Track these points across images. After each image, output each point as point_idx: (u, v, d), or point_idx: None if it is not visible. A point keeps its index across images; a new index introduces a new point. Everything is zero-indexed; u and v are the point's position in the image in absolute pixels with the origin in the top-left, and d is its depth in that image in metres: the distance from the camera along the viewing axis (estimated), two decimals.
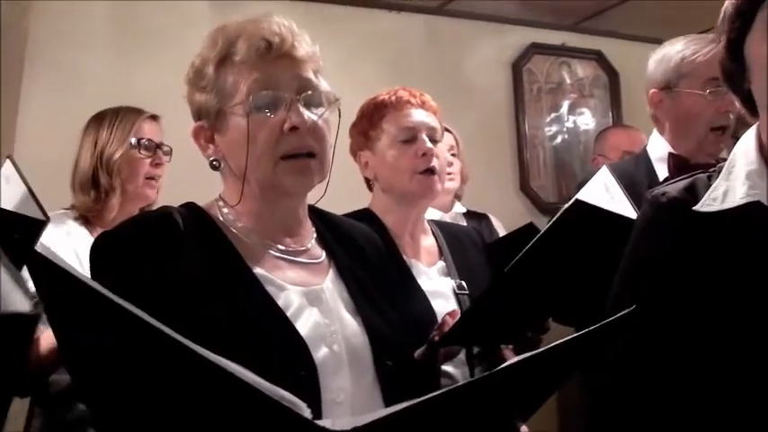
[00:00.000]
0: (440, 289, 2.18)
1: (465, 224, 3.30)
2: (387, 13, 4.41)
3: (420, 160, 2.17)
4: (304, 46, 1.46)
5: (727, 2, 1.38)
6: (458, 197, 3.56)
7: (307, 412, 0.85)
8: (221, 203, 1.51)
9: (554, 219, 1.75)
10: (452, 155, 3.30)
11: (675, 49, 2.43)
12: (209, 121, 1.47)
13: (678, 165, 2.39)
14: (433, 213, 2.87)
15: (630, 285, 1.44)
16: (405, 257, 2.20)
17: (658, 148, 2.49)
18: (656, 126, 2.54)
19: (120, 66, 3.70)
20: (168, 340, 0.85)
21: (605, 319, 1.03)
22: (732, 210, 1.34)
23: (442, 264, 2.26)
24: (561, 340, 0.98)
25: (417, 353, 1.91)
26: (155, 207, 2.69)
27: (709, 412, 1.31)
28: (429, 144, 2.19)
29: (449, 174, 3.14)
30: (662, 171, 2.43)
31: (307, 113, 1.43)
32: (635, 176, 2.36)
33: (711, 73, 2.26)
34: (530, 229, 2.53)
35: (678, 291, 1.34)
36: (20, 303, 0.77)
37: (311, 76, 1.47)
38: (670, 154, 2.43)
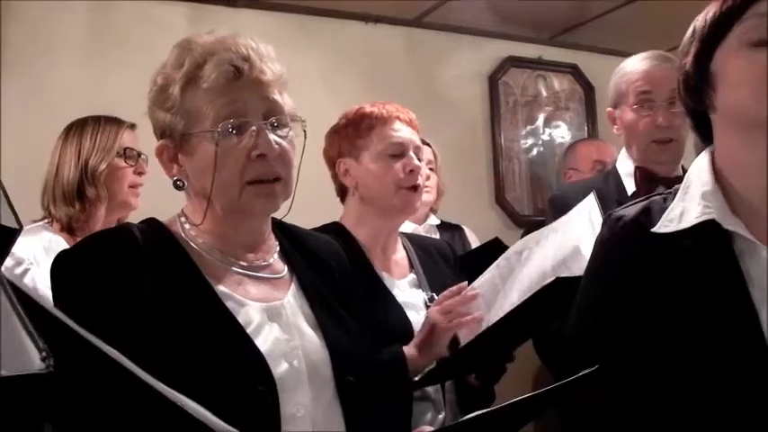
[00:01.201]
0: (411, 301, 2.19)
1: (438, 236, 3.34)
2: (364, 24, 4.41)
3: (408, 176, 2.19)
4: (272, 68, 1.46)
5: (699, 17, 1.40)
6: (433, 211, 3.57)
7: None
8: (183, 219, 1.52)
9: (533, 293, 1.86)
10: (430, 169, 3.30)
11: (618, 69, 2.56)
12: (173, 141, 1.47)
13: (644, 178, 2.47)
14: (407, 225, 2.87)
15: (589, 309, 1.48)
16: (376, 270, 2.20)
17: (625, 164, 2.56)
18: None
19: (95, 73, 3.67)
20: (122, 371, 0.86)
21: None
22: (688, 229, 1.36)
23: (412, 276, 2.28)
24: (531, 393, 1.15)
25: None
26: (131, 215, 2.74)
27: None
28: (417, 161, 2.21)
29: (425, 187, 3.15)
30: (630, 185, 2.50)
31: (274, 138, 1.43)
32: (605, 192, 2.41)
33: (641, 87, 2.43)
34: (496, 243, 2.58)
35: (636, 311, 1.37)
36: (32, 362, 0.77)
37: (278, 97, 1.47)
38: (636, 167, 2.50)
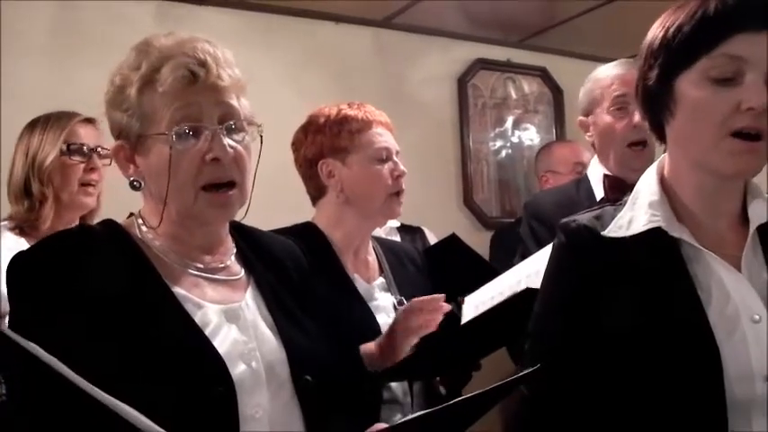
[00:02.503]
0: (381, 304, 2.20)
1: (399, 238, 3.35)
2: (333, 24, 4.40)
3: (394, 182, 2.22)
4: (229, 73, 1.46)
5: (660, 29, 1.43)
6: None
7: None
8: (140, 221, 1.52)
9: (504, 299, 1.93)
10: None
11: (590, 77, 2.59)
12: (129, 142, 1.47)
13: (613, 186, 2.49)
14: None
15: (546, 313, 1.53)
16: (347, 272, 2.19)
17: (596, 172, 2.59)
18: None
19: (63, 71, 3.62)
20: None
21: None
22: (636, 236, 1.44)
23: (382, 280, 2.29)
24: (479, 391, 1.22)
25: None
26: (98, 215, 2.63)
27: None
28: (402, 167, 2.23)
29: None
30: (600, 193, 2.53)
31: (229, 143, 1.44)
32: (575, 199, 2.47)
33: (616, 91, 2.46)
34: (454, 239, 2.60)
35: (591, 313, 1.42)
36: None
37: (234, 101, 1.47)
38: (604, 175, 2.53)
